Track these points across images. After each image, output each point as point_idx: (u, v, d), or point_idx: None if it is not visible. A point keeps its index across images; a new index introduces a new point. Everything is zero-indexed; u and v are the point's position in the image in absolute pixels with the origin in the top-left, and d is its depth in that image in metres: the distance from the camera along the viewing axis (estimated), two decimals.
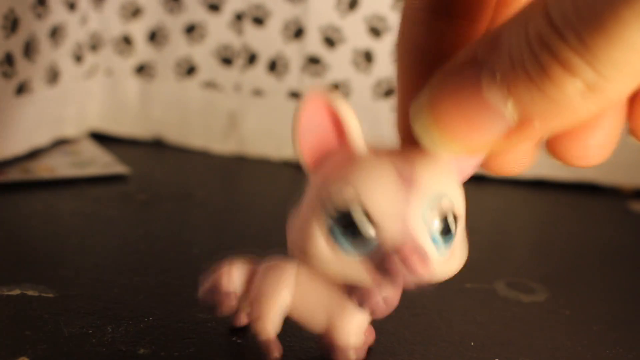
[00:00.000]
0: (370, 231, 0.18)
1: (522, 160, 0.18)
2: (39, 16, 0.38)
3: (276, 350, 0.21)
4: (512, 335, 0.25)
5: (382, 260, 0.18)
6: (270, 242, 0.32)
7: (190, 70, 0.46)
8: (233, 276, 0.22)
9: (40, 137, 0.41)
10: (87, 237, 0.31)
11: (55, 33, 0.40)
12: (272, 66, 0.45)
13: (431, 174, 0.18)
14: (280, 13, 0.44)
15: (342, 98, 0.18)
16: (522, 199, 0.43)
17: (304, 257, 0.19)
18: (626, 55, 0.13)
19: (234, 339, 0.23)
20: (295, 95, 0.45)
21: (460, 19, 0.18)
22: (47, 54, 0.40)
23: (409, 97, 0.18)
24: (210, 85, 0.46)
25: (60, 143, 0.43)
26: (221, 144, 0.46)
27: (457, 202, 0.19)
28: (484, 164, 0.19)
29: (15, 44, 0.37)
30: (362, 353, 0.22)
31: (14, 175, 0.37)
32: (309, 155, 0.19)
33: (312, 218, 0.19)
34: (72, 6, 0.41)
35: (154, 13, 0.45)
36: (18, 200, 0.35)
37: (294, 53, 0.45)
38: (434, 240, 0.18)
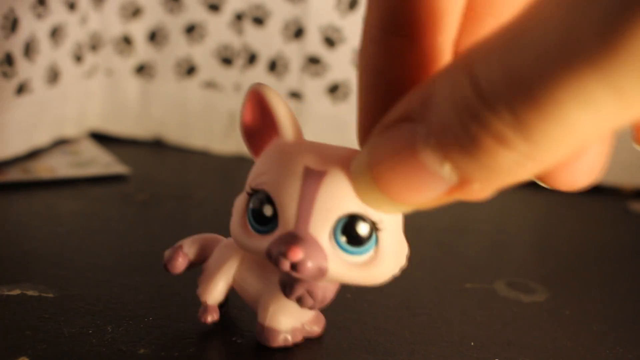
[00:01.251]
0: (268, 213, 0.19)
1: (591, 170, 0.18)
2: (39, 16, 0.38)
3: (210, 316, 0.23)
4: (512, 335, 0.25)
5: (271, 242, 0.19)
6: None
7: (190, 70, 0.46)
8: (194, 242, 0.24)
9: (40, 137, 0.41)
10: (87, 237, 0.31)
11: (55, 33, 0.40)
12: (272, 66, 0.45)
13: (343, 177, 0.19)
14: (280, 13, 0.44)
15: (274, 92, 0.20)
16: (522, 199, 0.43)
17: (231, 233, 0.21)
18: (562, 131, 0.13)
19: (234, 339, 0.23)
20: (295, 95, 0.45)
21: (414, 37, 0.18)
22: (47, 54, 0.40)
23: (367, 116, 0.18)
24: (210, 85, 0.46)
25: (60, 143, 0.43)
26: (221, 144, 0.46)
27: (374, 213, 0.19)
28: (544, 180, 0.18)
29: (15, 44, 0.37)
30: (293, 339, 0.23)
31: (14, 175, 0.37)
32: (251, 144, 0.21)
33: (241, 199, 0.21)
34: (72, 6, 0.41)
35: (154, 13, 0.45)
36: (18, 200, 0.35)
37: (294, 53, 0.45)
38: (336, 240, 0.19)
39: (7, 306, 0.24)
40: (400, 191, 0.15)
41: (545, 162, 0.13)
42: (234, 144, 0.46)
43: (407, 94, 0.16)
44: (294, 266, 0.19)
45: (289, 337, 0.23)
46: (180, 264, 0.24)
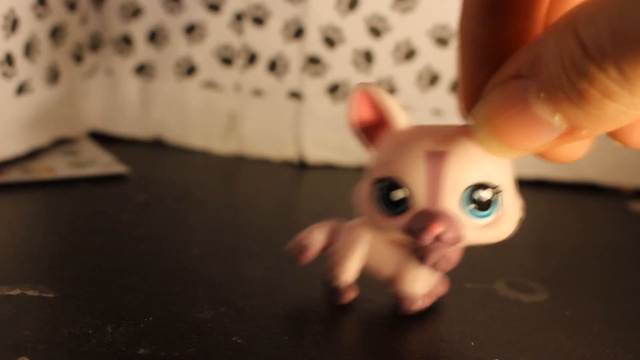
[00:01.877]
0: (398, 195, 0.21)
1: (580, 146, 0.20)
2: (39, 16, 0.38)
3: (346, 296, 0.26)
4: (512, 335, 0.25)
5: (409, 221, 0.21)
6: (270, 242, 0.32)
7: (190, 70, 0.46)
8: (315, 233, 0.26)
9: (40, 137, 0.41)
10: (87, 237, 0.31)
11: (55, 33, 0.40)
12: (272, 66, 0.45)
13: (462, 153, 0.21)
14: (280, 13, 0.44)
15: (380, 88, 0.22)
16: (522, 199, 0.43)
17: (365, 219, 0.23)
18: None
19: (234, 339, 0.23)
20: (295, 95, 0.45)
21: (512, 15, 0.19)
22: (47, 54, 0.40)
23: (468, 86, 0.20)
24: (210, 85, 0.46)
25: (60, 143, 0.43)
26: (221, 144, 0.46)
27: (494, 175, 0.21)
28: (539, 154, 0.20)
29: (15, 44, 0.37)
30: (429, 301, 0.26)
31: (14, 175, 0.37)
32: (364, 137, 0.23)
33: (365, 187, 0.23)
34: (72, 6, 0.41)
35: (154, 13, 0.45)
36: (18, 200, 0.35)
37: (294, 53, 0.45)
38: (467, 209, 0.21)
39: (7, 306, 0.24)
40: (517, 139, 0.17)
41: None
42: (234, 144, 0.46)
43: (516, 53, 0.17)
44: (437, 238, 0.21)
45: (427, 300, 0.26)
46: (310, 256, 0.26)
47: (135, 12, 0.45)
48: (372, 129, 0.23)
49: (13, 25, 0.36)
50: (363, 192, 0.23)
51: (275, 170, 0.44)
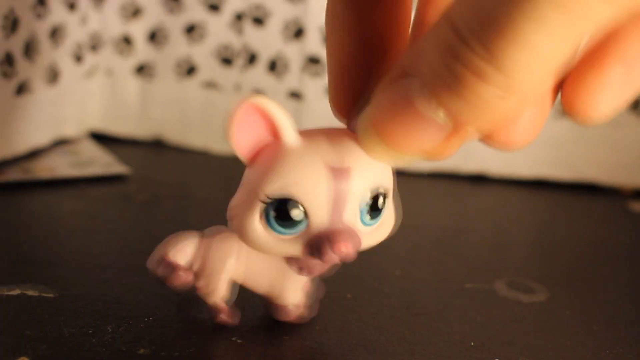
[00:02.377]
0: (298, 216, 0.20)
1: (529, 129, 0.19)
2: (39, 16, 0.38)
3: (224, 315, 0.24)
4: (512, 335, 0.25)
5: (311, 241, 0.20)
6: None
7: (190, 70, 0.46)
8: (183, 249, 0.24)
9: (40, 137, 0.41)
10: (87, 237, 0.31)
11: (55, 33, 0.40)
12: (272, 66, 0.45)
13: (359, 161, 0.20)
14: (280, 13, 0.44)
15: (268, 99, 0.20)
16: (522, 199, 0.43)
17: (243, 239, 0.21)
18: (527, 55, 0.14)
19: (234, 339, 0.23)
20: (295, 95, 0.45)
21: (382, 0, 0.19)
22: (47, 54, 0.40)
23: (338, 74, 0.20)
24: (210, 85, 0.46)
25: (60, 143, 0.43)
26: (221, 144, 0.46)
27: (384, 182, 0.21)
28: (489, 141, 0.19)
29: (15, 44, 0.37)
30: (306, 307, 0.25)
31: (14, 175, 0.37)
32: (244, 150, 0.21)
33: (248, 205, 0.21)
34: (72, 6, 0.41)
35: (154, 13, 0.45)
36: (18, 200, 0.35)
37: (294, 53, 0.45)
38: (362, 220, 0.20)
39: (7, 306, 0.24)
40: (403, 141, 0.17)
41: (523, 93, 0.15)
42: None
43: (402, 54, 0.17)
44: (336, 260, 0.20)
45: (302, 308, 0.24)
46: (185, 279, 0.23)
47: (135, 12, 0.45)
48: (254, 141, 0.21)
49: (13, 25, 0.36)
50: (244, 208, 0.21)
51: None
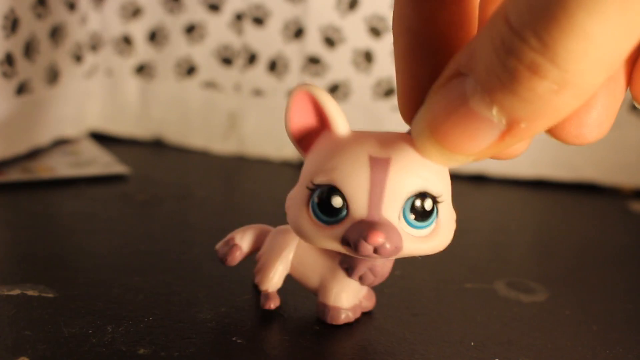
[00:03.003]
0: (337, 203, 0.20)
1: (601, 122, 0.18)
2: (39, 16, 0.38)
3: (272, 302, 0.25)
4: (512, 335, 0.25)
5: (348, 231, 0.20)
6: None
7: (190, 70, 0.46)
8: (244, 234, 0.26)
9: (40, 137, 0.41)
10: (87, 237, 0.31)
11: (56, 33, 0.40)
12: (272, 66, 0.45)
13: (402, 154, 0.20)
14: (280, 13, 0.44)
15: (322, 90, 0.20)
16: (522, 199, 0.43)
17: (293, 228, 0.22)
18: (582, 44, 0.13)
19: (234, 339, 0.23)
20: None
21: (448, 1, 0.19)
22: (47, 54, 0.40)
23: (405, 79, 0.20)
24: (210, 85, 0.46)
25: (60, 143, 0.43)
26: (221, 144, 0.46)
27: (435, 185, 0.20)
28: (558, 136, 0.18)
29: (15, 44, 0.37)
30: (354, 315, 0.25)
31: (14, 175, 0.37)
32: (300, 141, 0.21)
33: (299, 194, 0.21)
34: (72, 6, 0.41)
35: (154, 13, 0.45)
36: (18, 200, 0.35)
37: (294, 53, 0.45)
38: (405, 218, 0.20)
39: (7, 306, 0.24)
40: (457, 141, 0.16)
41: (578, 87, 0.14)
42: (234, 144, 0.46)
43: (456, 54, 0.17)
44: (376, 249, 0.20)
45: (350, 314, 0.24)
46: (237, 257, 0.25)
47: (135, 12, 0.45)
48: (310, 133, 0.21)
49: (13, 25, 0.36)
50: (297, 198, 0.21)
51: (275, 170, 0.44)
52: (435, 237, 0.21)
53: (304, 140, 0.21)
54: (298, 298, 0.26)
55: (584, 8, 0.13)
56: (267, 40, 0.45)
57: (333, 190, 0.20)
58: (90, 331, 0.23)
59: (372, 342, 0.24)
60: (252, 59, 0.45)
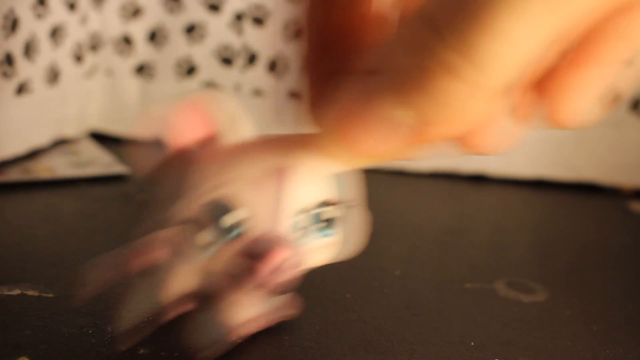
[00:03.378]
0: (236, 218, 0.19)
1: (505, 136, 0.18)
2: (39, 16, 0.38)
3: (165, 316, 0.22)
4: (512, 335, 0.25)
5: (248, 246, 0.19)
6: None
7: (191, 70, 0.46)
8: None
9: (40, 138, 0.41)
10: (87, 237, 0.31)
11: (56, 33, 0.40)
12: (272, 66, 0.45)
13: (308, 167, 0.18)
14: (280, 13, 0.44)
15: (212, 99, 0.19)
16: (522, 199, 0.43)
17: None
18: (501, 46, 0.13)
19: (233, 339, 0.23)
20: (295, 95, 0.45)
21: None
22: (47, 54, 0.40)
23: (313, 78, 0.19)
24: (210, 85, 0.46)
25: (60, 143, 0.43)
26: None
27: (335, 192, 0.19)
28: (459, 143, 0.18)
29: (15, 44, 0.37)
30: (261, 324, 0.23)
31: (14, 175, 0.37)
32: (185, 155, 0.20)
33: (188, 208, 0.20)
34: (72, 6, 0.41)
35: (154, 13, 0.45)
36: (18, 200, 0.35)
37: (294, 53, 0.45)
38: (312, 231, 0.19)
39: (7, 306, 0.24)
40: (361, 141, 0.16)
41: (493, 89, 0.14)
42: None
43: (366, 50, 0.16)
44: (275, 268, 0.19)
45: (256, 324, 0.23)
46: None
47: (135, 12, 0.45)
48: (194, 142, 0.20)
49: (13, 25, 0.36)
50: (186, 214, 0.20)
51: None
52: (341, 244, 0.20)
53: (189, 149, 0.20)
54: (300, 299, 0.26)
55: (507, 9, 0.13)
56: (267, 40, 0.45)
57: (229, 205, 0.19)
58: (90, 331, 0.23)
59: (372, 342, 0.24)
60: (252, 59, 0.45)
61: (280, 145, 0.19)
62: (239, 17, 0.45)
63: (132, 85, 0.47)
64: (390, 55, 0.15)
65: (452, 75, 0.14)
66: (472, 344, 0.24)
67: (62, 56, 0.41)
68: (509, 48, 0.13)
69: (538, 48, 0.14)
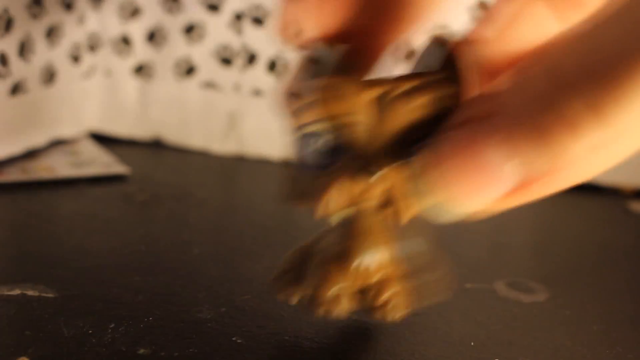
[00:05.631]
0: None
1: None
2: (35, 16, 0.38)
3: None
4: (512, 335, 0.25)
5: None
6: (270, 242, 0.32)
7: (190, 70, 0.46)
8: None
9: (38, 138, 0.41)
10: (87, 237, 0.31)
11: (52, 33, 0.40)
12: (272, 66, 0.45)
13: None
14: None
15: None
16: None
17: None
18: (633, 116, 0.13)
19: (234, 339, 0.23)
20: (295, 95, 0.45)
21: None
22: (43, 54, 0.40)
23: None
24: (209, 85, 0.46)
25: (59, 143, 0.43)
26: (221, 144, 0.46)
27: None
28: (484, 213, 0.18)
29: (9, 44, 0.37)
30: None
31: (14, 175, 0.37)
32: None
33: None
34: (69, 6, 0.41)
35: (153, 13, 0.45)
36: (18, 200, 0.35)
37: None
38: None
39: (7, 306, 0.24)
40: (465, 190, 0.15)
41: (619, 154, 0.15)
42: (233, 144, 0.46)
43: (472, 98, 0.16)
44: None
45: None
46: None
47: (134, 12, 0.45)
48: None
49: (7, 25, 0.36)
50: None
51: (275, 170, 0.44)
52: None
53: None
54: None
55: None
56: (267, 40, 0.45)
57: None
58: (90, 331, 0.23)
59: (372, 342, 0.24)
60: (251, 59, 0.45)
61: None
62: (238, 17, 0.45)
63: (131, 85, 0.47)
64: (499, 101, 0.15)
65: (576, 134, 0.14)
66: (472, 344, 0.24)
67: (59, 56, 0.41)
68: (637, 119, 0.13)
69: None
